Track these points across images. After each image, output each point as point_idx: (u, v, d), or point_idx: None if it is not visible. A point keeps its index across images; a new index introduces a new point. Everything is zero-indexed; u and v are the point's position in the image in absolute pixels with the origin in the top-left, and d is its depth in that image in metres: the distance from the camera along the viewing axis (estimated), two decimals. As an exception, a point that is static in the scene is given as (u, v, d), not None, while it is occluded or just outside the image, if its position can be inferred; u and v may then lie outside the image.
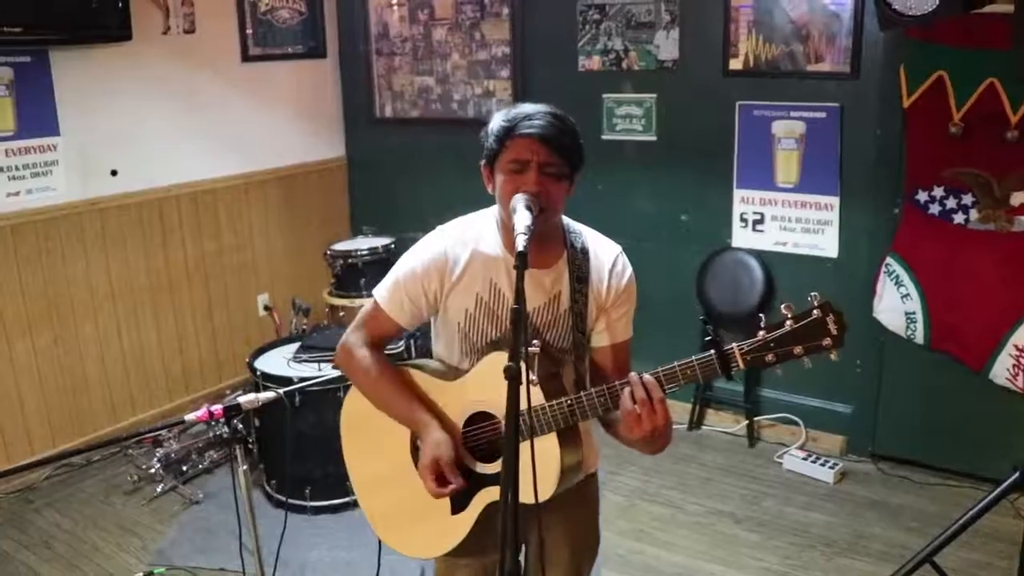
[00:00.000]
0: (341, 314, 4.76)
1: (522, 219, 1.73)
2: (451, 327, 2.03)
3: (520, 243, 1.65)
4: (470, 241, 1.99)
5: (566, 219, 2.02)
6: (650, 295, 4.78)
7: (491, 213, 2.03)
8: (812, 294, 1.72)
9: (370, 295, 2.10)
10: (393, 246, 4.83)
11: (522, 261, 1.60)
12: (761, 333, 1.73)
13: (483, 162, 1.94)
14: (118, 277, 4.56)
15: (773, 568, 3.50)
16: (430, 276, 1.98)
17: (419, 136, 5.44)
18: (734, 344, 1.74)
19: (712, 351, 1.76)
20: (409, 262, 2.03)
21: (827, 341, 1.70)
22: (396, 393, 2.04)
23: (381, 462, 2.12)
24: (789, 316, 1.71)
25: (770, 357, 1.72)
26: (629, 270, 2.05)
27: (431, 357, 2.17)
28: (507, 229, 1.94)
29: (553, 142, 1.82)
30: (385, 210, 5.58)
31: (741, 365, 1.75)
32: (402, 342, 4.06)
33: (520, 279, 1.58)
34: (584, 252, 2.01)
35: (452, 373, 2.07)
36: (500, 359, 1.89)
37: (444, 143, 5.25)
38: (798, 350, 1.71)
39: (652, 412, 1.75)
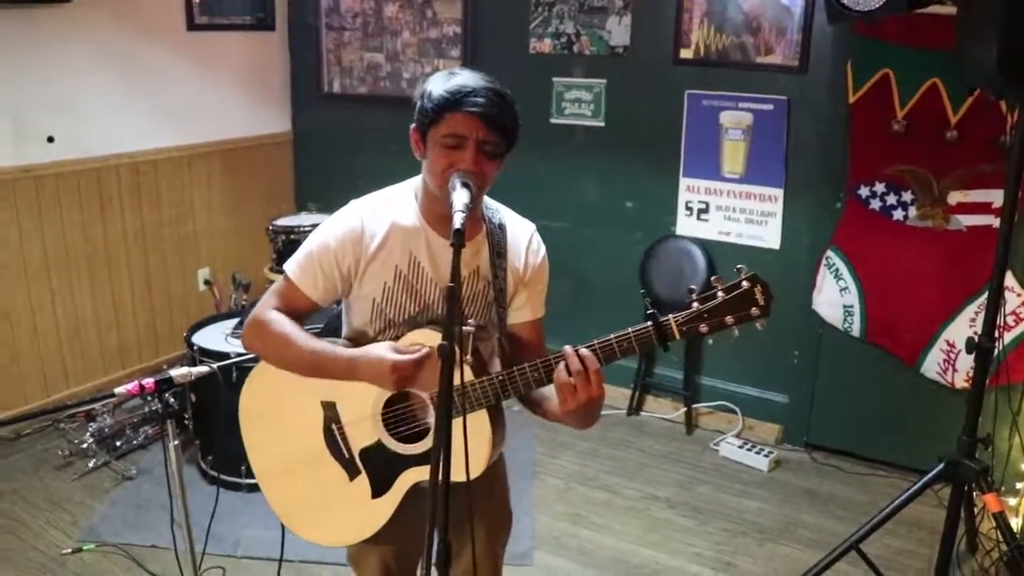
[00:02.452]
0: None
1: (460, 197, 1.70)
2: (366, 302, 1.96)
3: (458, 220, 1.62)
4: (388, 214, 1.94)
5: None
6: (592, 280, 4.87)
7: (407, 185, 2.00)
8: (739, 266, 1.78)
9: None
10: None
11: (459, 239, 1.57)
12: (695, 304, 1.77)
13: (414, 125, 1.87)
14: (53, 247, 4.44)
15: (705, 553, 3.55)
16: (345, 250, 1.92)
17: (367, 113, 5.38)
18: (670, 315, 1.78)
19: (649, 323, 1.78)
20: (322, 235, 1.95)
21: (755, 311, 1.77)
22: (318, 345, 1.93)
23: (289, 448, 2.03)
24: (720, 287, 1.77)
25: (704, 327, 1.78)
26: (543, 248, 2.06)
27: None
28: (429, 198, 1.91)
29: (494, 122, 1.78)
30: (330, 186, 5.51)
31: (677, 336, 1.78)
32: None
33: (457, 256, 1.55)
34: (502, 227, 2.00)
35: None
36: (422, 337, 1.87)
37: (392, 121, 5.11)
38: (729, 319, 1.77)
39: (587, 383, 1.76)
